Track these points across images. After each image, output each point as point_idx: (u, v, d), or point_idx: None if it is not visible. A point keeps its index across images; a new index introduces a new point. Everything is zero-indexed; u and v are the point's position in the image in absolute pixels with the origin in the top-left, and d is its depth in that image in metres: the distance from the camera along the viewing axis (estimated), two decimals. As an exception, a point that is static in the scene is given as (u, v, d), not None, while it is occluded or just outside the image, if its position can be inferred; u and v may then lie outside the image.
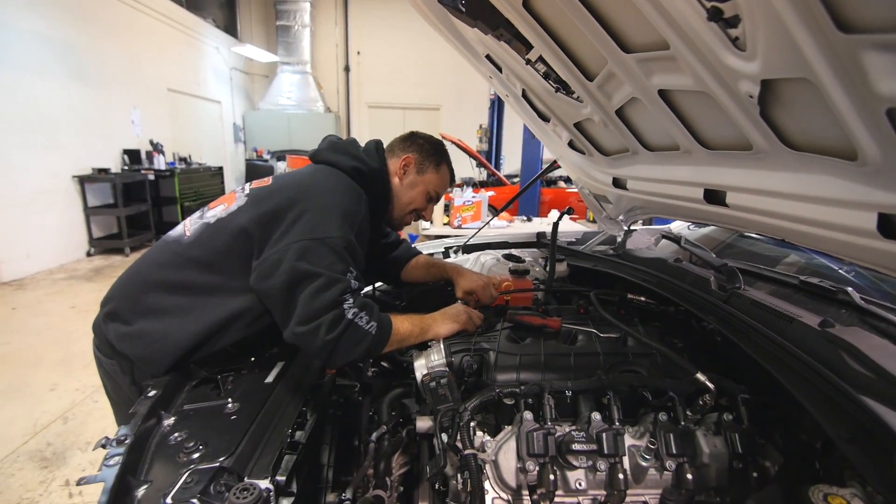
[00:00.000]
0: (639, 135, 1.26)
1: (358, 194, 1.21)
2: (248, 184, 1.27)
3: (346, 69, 11.62)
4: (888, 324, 0.92)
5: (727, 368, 1.01)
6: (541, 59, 1.28)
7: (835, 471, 0.72)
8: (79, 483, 0.75)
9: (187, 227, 1.21)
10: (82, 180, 5.94)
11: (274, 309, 1.06)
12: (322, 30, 11.27)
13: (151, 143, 7.24)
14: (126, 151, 6.78)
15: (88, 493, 2.10)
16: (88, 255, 6.19)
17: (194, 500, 0.73)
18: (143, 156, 7.02)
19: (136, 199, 6.69)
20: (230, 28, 10.37)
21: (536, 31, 1.12)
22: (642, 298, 1.36)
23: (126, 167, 6.72)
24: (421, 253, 1.68)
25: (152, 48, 7.45)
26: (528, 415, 0.88)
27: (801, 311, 0.98)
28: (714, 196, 1.08)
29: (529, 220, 4.79)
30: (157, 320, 1.12)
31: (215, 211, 1.19)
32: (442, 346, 1.10)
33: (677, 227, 2.25)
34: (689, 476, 0.82)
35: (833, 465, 0.74)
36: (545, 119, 1.68)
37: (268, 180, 1.25)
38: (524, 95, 1.62)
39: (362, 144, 1.40)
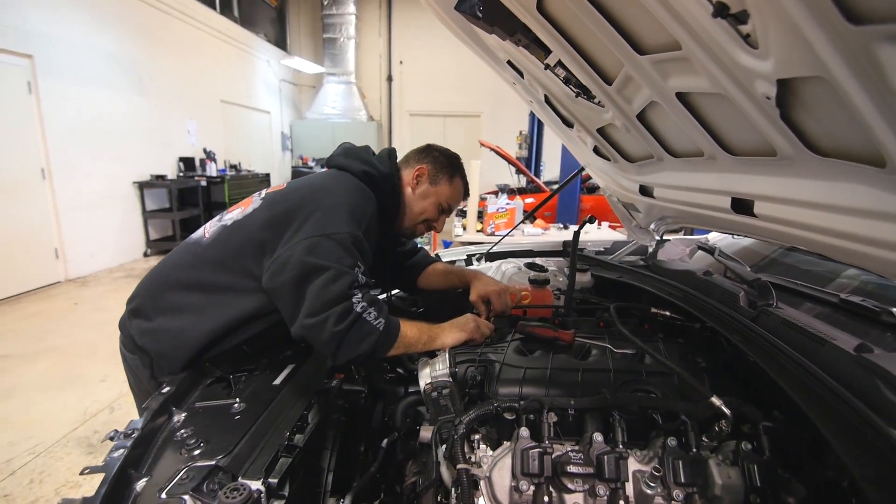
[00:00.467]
0: (662, 140, 1.20)
1: (366, 194, 1.23)
2: (265, 189, 1.31)
3: (389, 79, 11.88)
4: (939, 351, 0.82)
5: (759, 393, 0.93)
6: (559, 63, 1.25)
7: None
8: (82, 473, 0.78)
9: (207, 229, 1.26)
10: (141, 186, 6.37)
11: (284, 305, 1.08)
12: (366, 41, 11.59)
13: (205, 151, 7.67)
14: (181, 159, 7.21)
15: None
16: (145, 255, 6.61)
17: (186, 497, 0.74)
18: (197, 163, 7.44)
19: (189, 204, 7.09)
20: (280, 42, 10.86)
21: (552, 35, 1.10)
22: (667, 313, 1.28)
23: (181, 174, 7.15)
24: (439, 260, 1.66)
25: (208, 62, 7.92)
26: (524, 432, 0.84)
27: (837, 333, 0.89)
28: (742, 205, 1.01)
29: (566, 227, 4.68)
30: (175, 318, 1.17)
31: (233, 214, 1.24)
32: (447, 356, 1.08)
33: (717, 237, 2.12)
34: (699, 508, 0.76)
35: (862, 507, 0.66)
36: (569, 125, 1.64)
37: (283, 185, 1.29)
38: (547, 101, 1.59)
39: (401, 153, 1.45)
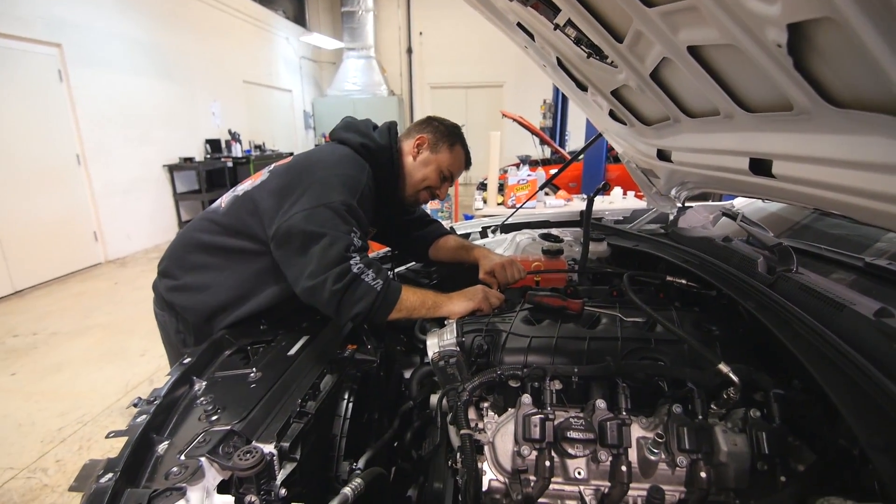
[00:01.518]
0: (677, 100, 1.14)
1: (360, 165, 1.29)
2: (275, 162, 1.38)
3: (409, 51, 11.67)
4: (969, 314, 0.77)
5: (777, 361, 0.90)
6: (569, 22, 1.20)
7: (871, 483, 0.62)
8: (107, 436, 0.84)
9: (223, 200, 1.36)
10: (171, 169, 6.56)
11: (289, 270, 1.16)
12: (385, 13, 11.37)
13: (230, 132, 7.80)
14: (208, 141, 7.37)
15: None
16: (178, 236, 6.86)
17: (202, 458, 0.78)
18: (223, 145, 7.58)
19: (217, 185, 7.27)
20: (299, 18, 10.78)
21: (558, -10, 1.05)
22: (683, 281, 1.25)
23: (208, 156, 7.31)
24: (452, 233, 1.66)
25: (229, 43, 7.96)
26: (526, 398, 0.84)
27: (859, 298, 0.85)
28: (760, 166, 0.96)
29: (589, 199, 4.57)
30: (198, 275, 1.31)
31: (245, 185, 1.34)
32: (455, 325, 1.09)
33: (744, 203, 2.03)
34: (703, 474, 0.75)
35: (872, 477, 0.64)
36: (583, 88, 1.58)
37: (289, 158, 1.36)
38: (560, 64, 1.53)
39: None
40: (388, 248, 1.74)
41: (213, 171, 7.16)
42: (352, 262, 1.10)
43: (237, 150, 7.71)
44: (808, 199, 0.87)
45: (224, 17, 7.84)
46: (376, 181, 1.32)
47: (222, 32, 7.80)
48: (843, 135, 0.69)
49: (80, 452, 2.35)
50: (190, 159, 6.81)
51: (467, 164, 1.50)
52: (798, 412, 0.79)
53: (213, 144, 7.43)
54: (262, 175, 1.33)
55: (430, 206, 4.77)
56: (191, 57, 6.98)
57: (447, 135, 1.42)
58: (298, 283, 1.13)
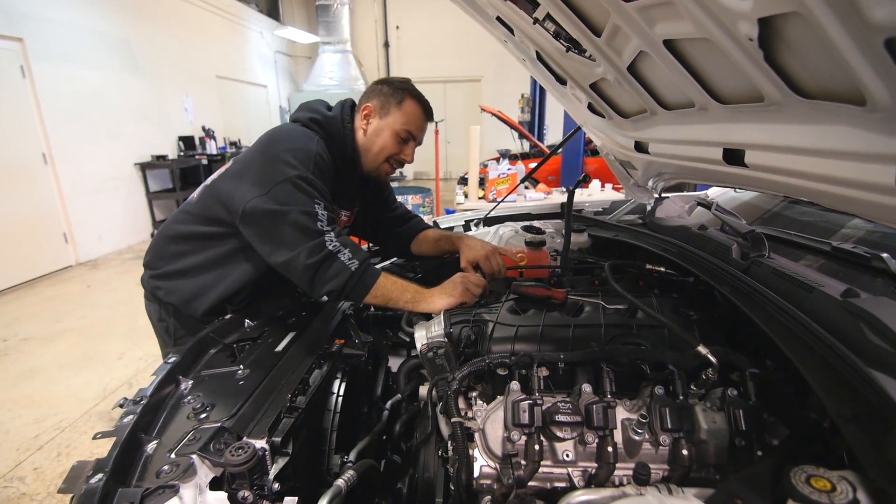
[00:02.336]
0: (654, 93, 1.18)
1: (308, 135, 1.29)
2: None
3: (386, 45, 11.58)
4: (927, 292, 0.82)
5: (752, 342, 0.94)
6: (548, 16, 1.22)
7: (840, 453, 0.66)
8: (94, 437, 0.83)
9: (196, 192, 1.41)
10: (143, 167, 6.38)
11: (262, 248, 1.20)
12: (360, 6, 11.24)
13: (204, 129, 7.62)
14: (181, 138, 7.18)
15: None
16: (152, 236, 6.67)
17: (193, 455, 0.78)
18: (197, 142, 7.40)
19: (192, 183, 7.08)
20: (272, 12, 10.57)
21: (537, -14, 1.06)
22: (662, 269, 1.29)
23: (182, 153, 7.13)
24: (431, 227, 1.67)
25: (200, 37, 7.76)
26: (514, 385, 0.86)
27: (827, 280, 0.89)
28: (733, 156, 1.00)
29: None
30: (176, 262, 1.37)
31: (213, 175, 1.38)
32: (442, 317, 1.11)
33: (718, 192, 2.10)
34: (685, 452, 0.78)
35: (841, 446, 0.68)
36: (563, 82, 1.60)
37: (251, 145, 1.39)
38: (539, 58, 1.55)
39: None
40: (369, 244, 1.74)
41: (187, 168, 6.99)
42: (326, 237, 1.13)
43: (212, 147, 7.54)
44: (778, 187, 0.91)
45: (194, 9, 7.63)
46: (332, 153, 1.31)
47: (193, 26, 7.59)
48: (810, 124, 0.72)
49: (59, 459, 2.29)
50: (163, 157, 6.64)
51: (427, 115, 1.41)
52: (772, 390, 0.83)
53: (187, 141, 7.25)
54: (227, 164, 1.38)
55: (412, 202, 4.76)
56: (161, 51, 6.78)
57: (392, 94, 1.35)
58: (273, 258, 1.17)
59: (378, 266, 1.67)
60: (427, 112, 1.41)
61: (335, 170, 1.32)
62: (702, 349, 0.83)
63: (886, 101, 0.53)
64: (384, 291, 1.19)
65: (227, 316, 1.29)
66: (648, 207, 1.83)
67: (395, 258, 1.71)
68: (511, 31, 1.48)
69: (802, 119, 0.73)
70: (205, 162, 7.14)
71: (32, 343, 3.57)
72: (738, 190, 2.01)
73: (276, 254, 1.15)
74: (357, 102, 1.44)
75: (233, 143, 8.47)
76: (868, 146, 0.62)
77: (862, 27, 0.46)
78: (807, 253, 1.12)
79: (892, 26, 0.44)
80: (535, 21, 1.26)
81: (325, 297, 1.17)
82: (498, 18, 1.47)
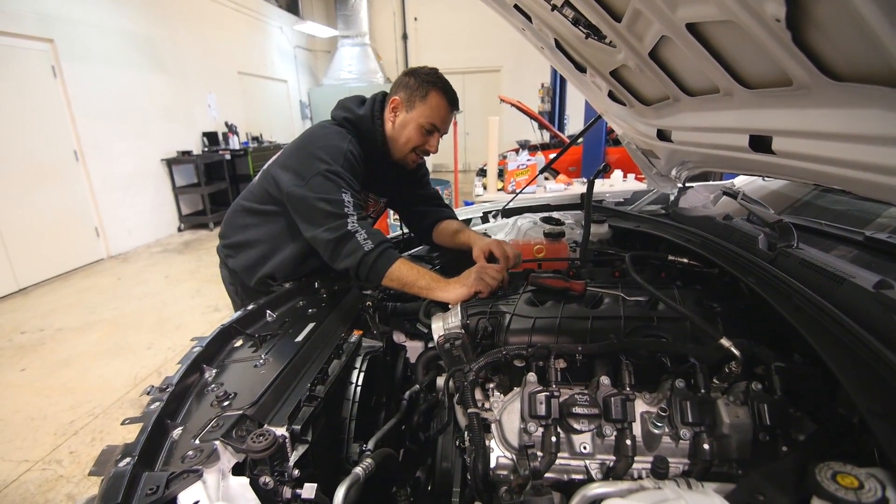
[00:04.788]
0: (676, 78, 1.14)
1: (340, 135, 1.43)
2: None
3: (404, 37, 11.55)
4: (968, 284, 0.78)
5: (780, 335, 0.92)
6: (567, 2, 1.19)
7: (869, 450, 0.64)
8: (123, 423, 0.86)
9: (257, 176, 1.61)
10: (169, 163, 6.54)
11: (301, 226, 1.39)
12: (379, -1, 11.22)
13: (226, 124, 7.75)
14: (205, 134, 7.33)
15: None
16: (179, 230, 6.87)
17: (216, 441, 0.80)
18: (220, 137, 7.54)
19: (216, 178, 7.25)
20: (292, 7, 10.64)
21: (555, -28, 1.04)
22: (684, 260, 1.26)
23: (206, 149, 7.28)
24: (455, 219, 1.66)
25: (222, 34, 7.87)
26: (531, 376, 0.86)
27: (858, 271, 0.86)
28: (760, 143, 0.96)
29: (589, 182, 4.55)
30: (243, 233, 1.57)
31: (269, 161, 1.57)
32: (459, 308, 1.11)
33: (744, 181, 2.03)
34: (706, 446, 0.77)
35: (871, 443, 0.66)
36: (582, 70, 1.57)
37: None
38: (558, 46, 1.52)
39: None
40: (397, 234, 1.80)
41: (211, 164, 7.14)
42: (349, 219, 1.29)
43: (234, 143, 7.68)
44: (808, 174, 0.88)
45: (216, 7, 7.75)
46: (364, 148, 1.45)
47: (215, 23, 7.70)
48: (842, 108, 0.69)
49: (93, 444, 2.40)
50: (188, 153, 6.79)
51: (453, 106, 1.46)
52: (799, 384, 0.80)
53: (211, 137, 7.40)
54: (278, 154, 1.54)
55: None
56: (184, 49, 6.91)
57: (418, 87, 1.42)
58: (306, 233, 1.36)
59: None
60: (452, 102, 1.47)
61: (368, 161, 1.46)
62: (725, 342, 0.81)
63: (924, 81, 0.50)
64: (399, 275, 1.27)
65: (273, 289, 1.48)
66: (672, 197, 1.79)
67: (419, 247, 1.72)
68: (529, 18, 1.46)
69: (833, 103, 0.70)
70: (228, 157, 7.28)
71: (67, 333, 3.72)
72: (766, 178, 1.95)
73: (308, 230, 1.35)
74: (388, 93, 1.51)
75: (255, 138, 8.61)
76: (905, 130, 0.59)
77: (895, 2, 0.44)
78: (838, 243, 1.08)
79: (931, 0, 0.41)
80: (554, 8, 1.23)
81: (345, 271, 1.32)
82: (515, 6, 1.45)
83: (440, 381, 1.10)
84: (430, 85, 1.42)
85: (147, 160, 6.27)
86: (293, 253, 1.52)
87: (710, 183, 2.24)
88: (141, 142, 6.12)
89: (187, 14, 7.01)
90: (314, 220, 1.33)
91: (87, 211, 5.41)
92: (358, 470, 0.86)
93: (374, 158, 1.49)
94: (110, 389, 2.88)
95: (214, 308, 4.05)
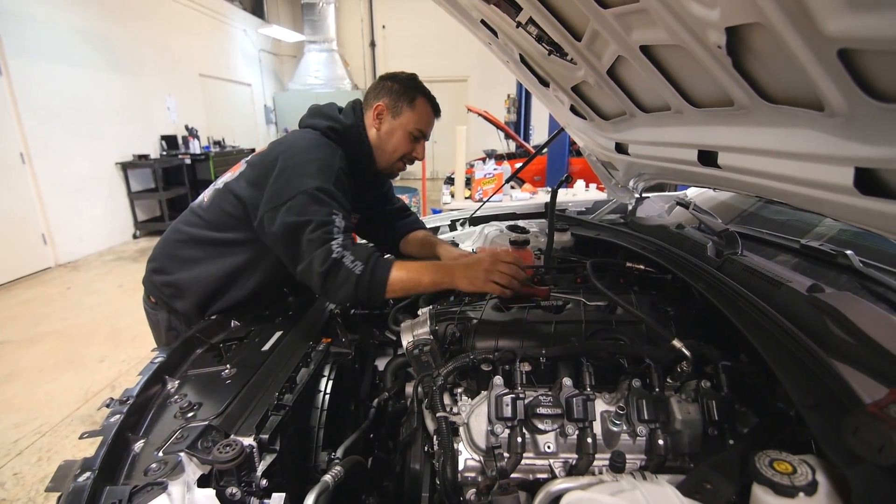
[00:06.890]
0: (632, 96, 1.21)
1: (331, 148, 1.29)
2: (253, 152, 1.39)
3: (372, 44, 11.55)
4: (886, 288, 0.86)
5: (726, 336, 0.98)
6: (531, 20, 1.24)
7: (805, 439, 0.70)
8: (81, 437, 0.83)
9: (206, 194, 1.39)
10: (125, 167, 6.27)
11: (284, 257, 1.21)
12: (346, 5, 11.19)
13: (187, 128, 7.51)
14: (163, 137, 7.07)
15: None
16: (134, 237, 6.58)
17: (181, 453, 0.79)
18: (180, 141, 7.30)
19: (175, 183, 7.00)
20: (257, 10, 10.46)
21: (520, -10, 1.09)
22: (641, 267, 1.32)
23: (164, 153, 7.02)
24: (423, 228, 1.69)
25: (183, 35, 7.65)
26: (498, 380, 0.89)
27: (795, 276, 0.94)
28: (707, 157, 1.03)
29: (554, 191, 4.68)
30: (191, 268, 1.34)
31: (225, 178, 1.36)
32: (427, 316, 1.13)
33: (696, 192, 2.15)
34: (661, 442, 0.82)
35: (806, 433, 0.72)
36: (545, 84, 1.63)
37: (265, 147, 1.35)
38: (522, 60, 1.58)
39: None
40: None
41: (169, 168, 6.89)
42: (333, 243, 1.12)
43: (195, 147, 7.44)
44: (750, 187, 0.95)
45: (177, 6, 7.52)
46: (350, 161, 1.31)
47: (176, 23, 7.48)
48: (777, 128, 0.76)
49: (40, 464, 2.26)
50: (145, 156, 6.53)
51: (436, 112, 1.42)
52: (743, 381, 0.87)
53: (170, 141, 7.14)
54: (240, 167, 1.35)
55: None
56: (142, 49, 6.67)
57: (404, 92, 1.36)
58: (293, 267, 1.18)
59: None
60: (437, 110, 1.43)
61: (352, 175, 1.33)
62: (677, 343, 0.87)
63: (842, 107, 0.56)
64: (402, 285, 1.15)
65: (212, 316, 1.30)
66: (630, 207, 1.88)
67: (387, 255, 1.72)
68: (495, 33, 1.51)
69: (769, 122, 0.77)
70: (188, 161, 7.04)
71: (10, 346, 3.49)
72: (716, 190, 2.08)
73: (294, 264, 1.17)
74: (364, 98, 1.43)
75: (216, 143, 8.37)
76: (827, 149, 0.65)
77: (817, 38, 0.50)
78: (779, 251, 1.17)
79: (845, 38, 0.47)
80: (518, 25, 1.28)
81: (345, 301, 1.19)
82: (482, 21, 1.49)
83: (409, 388, 1.11)
84: (416, 90, 1.37)
85: (100, 163, 5.99)
86: (255, 284, 1.34)
87: (665, 194, 2.36)
88: (94, 144, 5.84)
89: (146, 13, 6.78)
90: (301, 252, 1.14)
91: (33, 216, 5.10)
92: (327, 478, 0.86)
93: (356, 172, 1.36)
94: (59, 405, 2.72)
95: (173, 318, 3.89)
